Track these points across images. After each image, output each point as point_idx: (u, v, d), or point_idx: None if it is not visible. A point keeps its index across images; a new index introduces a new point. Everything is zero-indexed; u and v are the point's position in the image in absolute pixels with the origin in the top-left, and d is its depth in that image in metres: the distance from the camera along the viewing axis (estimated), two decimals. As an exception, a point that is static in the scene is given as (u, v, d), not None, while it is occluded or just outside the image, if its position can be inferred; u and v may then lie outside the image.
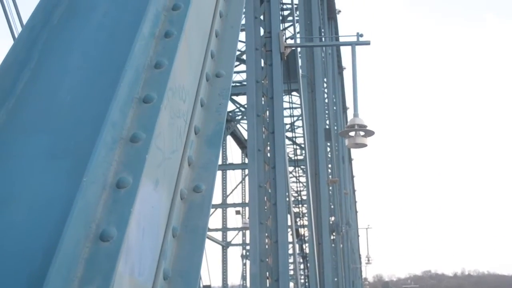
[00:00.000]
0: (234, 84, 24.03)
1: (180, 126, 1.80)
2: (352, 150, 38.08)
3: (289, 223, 8.90)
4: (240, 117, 26.88)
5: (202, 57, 2.09)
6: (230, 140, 29.32)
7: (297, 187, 24.14)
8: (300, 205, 23.29)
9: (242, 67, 20.70)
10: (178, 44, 1.83)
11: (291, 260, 29.56)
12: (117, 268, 1.32)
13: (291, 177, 26.99)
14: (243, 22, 10.41)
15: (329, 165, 17.16)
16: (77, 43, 1.75)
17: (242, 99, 24.89)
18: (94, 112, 1.52)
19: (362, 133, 7.86)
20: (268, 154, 7.82)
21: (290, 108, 18.10)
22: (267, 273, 7.56)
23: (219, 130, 2.01)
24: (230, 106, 26.81)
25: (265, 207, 7.68)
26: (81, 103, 1.57)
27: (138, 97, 1.64)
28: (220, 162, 28.41)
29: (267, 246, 7.60)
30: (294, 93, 17.43)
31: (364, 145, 7.95)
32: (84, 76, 1.65)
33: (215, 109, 2.06)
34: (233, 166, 29.04)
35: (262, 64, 8.29)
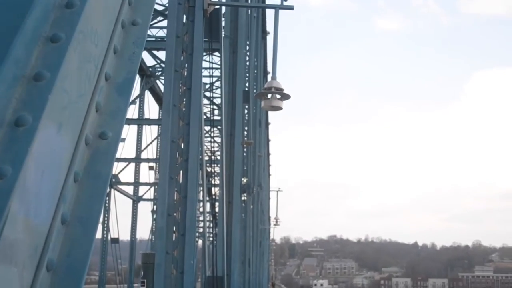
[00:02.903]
0: (155, 39, 23.59)
1: (90, 71, 1.76)
2: (270, 115, 38.40)
3: (200, 181, 8.92)
4: (160, 73, 26.49)
5: (119, 3, 2.03)
6: (148, 95, 28.89)
7: (212, 147, 24.17)
8: (213, 165, 23.34)
9: (166, 22, 20.31)
10: (93, -14, 1.77)
11: (201, 218, 29.76)
12: (10, 207, 1.29)
13: (206, 137, 26.94)
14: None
15: (246, 127, 17.25)
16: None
17: (163, 55, 24.47)
18: (-4, 47, 1.45)
19: (278, 96, 7.92)
20: (183, 110, 7.77)
21: (210, 68, 17.99)
22: (174, 228, 7.59)
23: (131, 79, 1.98)
24: (150, 61, 26.37)
25: (177, 163, 7.66)
26: (-18, 37, 1.49)
27: (46, 36, 1.59)
28: (136, 117, 28.00)
29: (175, 201, 7.61)
30: (216, 53, 17.31)
31: (280, 108, 8.02)
32: (-12, 9, 1.57)
33: (128, 57, 2.02)
34: (149, 122, 28.64)
35: (184, 20, 8.17)
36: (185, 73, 7.86)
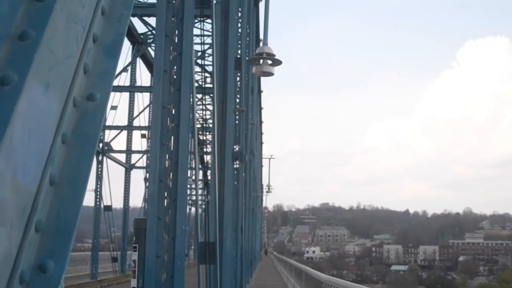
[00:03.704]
0: (146, 5, 23.36)
1: (77, 32, 1.73)
2: (262, 83, 38.25)
3: (192, 149, 8.90)
4: (151, 40, 26.30)
5: (106, -37, 2.00)
6: (140, 62, 28.73)
7: (204, 115, 24.16)
8: (205, 133, 23.36)
9: (156, -13, 20.09)
10: None
11: (193, 186, 29.84)
12: (-4, 167, 1.28)
13: (198, 105, 26.84)
14: None
15: (238, 95, 17.19)
16: None
17: (154, 21, 24.25)
18: (-20, 5, 1.43)
19: (269, 61, 7.87)
20: (174, 76, 7.72)
21: (201, 35, 17.83)
22: (166, 193, 7.60)
23: (119, 40, 1.95)
24: (142, 28, 26.17)
25: (168, 129, 7.64)
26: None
27: None
28: (128, 84, 27.84)
29: (167, 167, 7.61)
30: (207, 20, 17.15)
31: (271, 74, 7.97)
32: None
33: (116, 18, 1.99)
34: (141, 89, 28.54)
35: (175, -16, 8.06)
36: (176, 39, 7.79)
